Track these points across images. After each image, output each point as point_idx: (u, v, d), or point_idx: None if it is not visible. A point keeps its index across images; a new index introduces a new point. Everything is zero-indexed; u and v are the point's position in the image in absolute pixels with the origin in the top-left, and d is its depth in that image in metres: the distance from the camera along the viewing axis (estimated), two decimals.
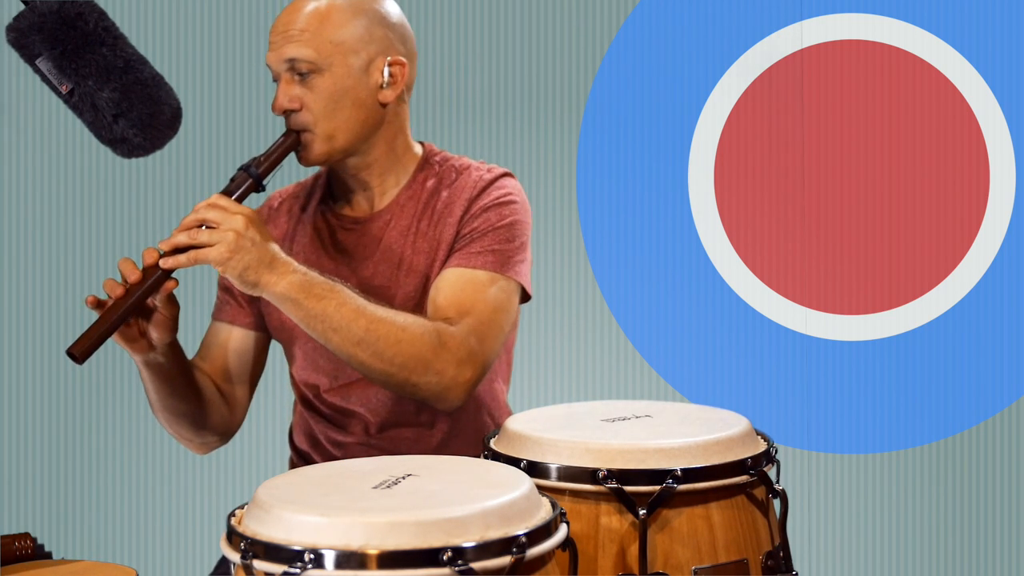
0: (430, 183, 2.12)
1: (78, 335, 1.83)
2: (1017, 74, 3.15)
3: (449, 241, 2.07)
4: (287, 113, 2.04)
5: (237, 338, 2.19)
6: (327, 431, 2.17)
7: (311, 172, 2.26)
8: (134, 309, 1.86)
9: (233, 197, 1.95)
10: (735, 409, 1.85)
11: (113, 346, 1.83)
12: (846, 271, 3.22)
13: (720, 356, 3.24)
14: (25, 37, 1.83)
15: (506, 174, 2.14)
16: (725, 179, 3.24)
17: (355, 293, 1.94)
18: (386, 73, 2.06)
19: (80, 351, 1.80)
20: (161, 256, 1.87)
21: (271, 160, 2.01)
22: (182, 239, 1.87)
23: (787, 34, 3.20)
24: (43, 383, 3.22)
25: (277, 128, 3.17)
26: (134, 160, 1.96)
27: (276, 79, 2.06)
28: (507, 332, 2.06)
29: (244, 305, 2.19)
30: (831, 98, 3.21)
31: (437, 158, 2.16)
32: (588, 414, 1.85)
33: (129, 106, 1.86)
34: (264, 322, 2.21)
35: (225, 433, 2.19)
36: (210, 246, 1.86)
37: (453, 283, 2.03)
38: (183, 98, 1.94)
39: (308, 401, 2.19)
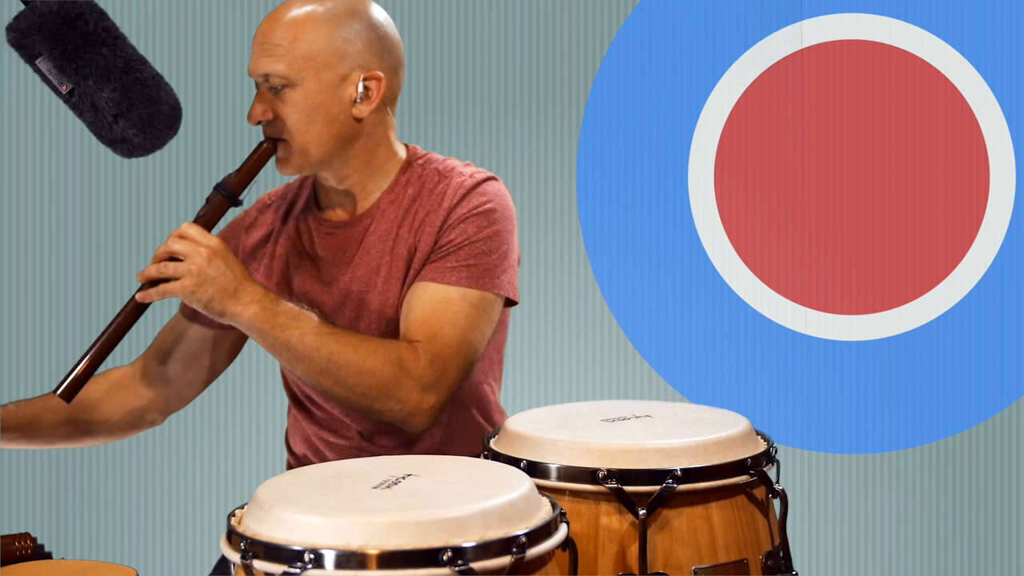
0: (411, 189, 2.11)
1: (66, 366, 1.98)
2: (1017, 74, 3.15)
3: (426, 251, 2.05)
4: (261, 124, 2.05)
5: (194, 330, 2.22)
6: (320, 432, 2.17)
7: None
8: (115, 343, 1.97)
9: (206, 219, 2.01)
10: (735, 409, 1.85)
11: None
12: (846, 271, 3.22)
13: (720, 356, 3.24)
14: (25, 37, 1.83)
15: (489, 178, 2.11)
16: (725, 179, 3.24)
17: (320, 321, 1.98)
18: (360, 88, 2.04)
19: (67, 391, 1.92)
20: (139, 288, 1.96)
21: (244, 173, 2.05)
22: (152, 272, 1.95)
23: (787, 34, 3.20)
24: (42, 383, 3.22)
25: None
26: (134, 160, 1.96)
27: (257, 87, 2.07)
28: (479, 350, 2.05)
29: None
30: (831, 98, 3.21)
31: (420, 160, 2.14)
32: (588, 414, 1.85)
33: (129, 106, 1.86)
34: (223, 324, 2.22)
35: (140, 417, 2.24)
36: (176, 279, 1.94)
37: (424, 301, 2.02)
38: (183, 98, 1.94)
39: (301, 403, 2.20)
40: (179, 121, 1.92)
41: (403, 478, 1.53)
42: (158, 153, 1.93)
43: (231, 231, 2.25)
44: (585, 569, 1.62)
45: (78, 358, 1.95)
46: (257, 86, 2.06)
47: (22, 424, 2.09)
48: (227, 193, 2.03)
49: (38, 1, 1.83)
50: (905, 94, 3.19)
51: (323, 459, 2.16)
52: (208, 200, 2.03)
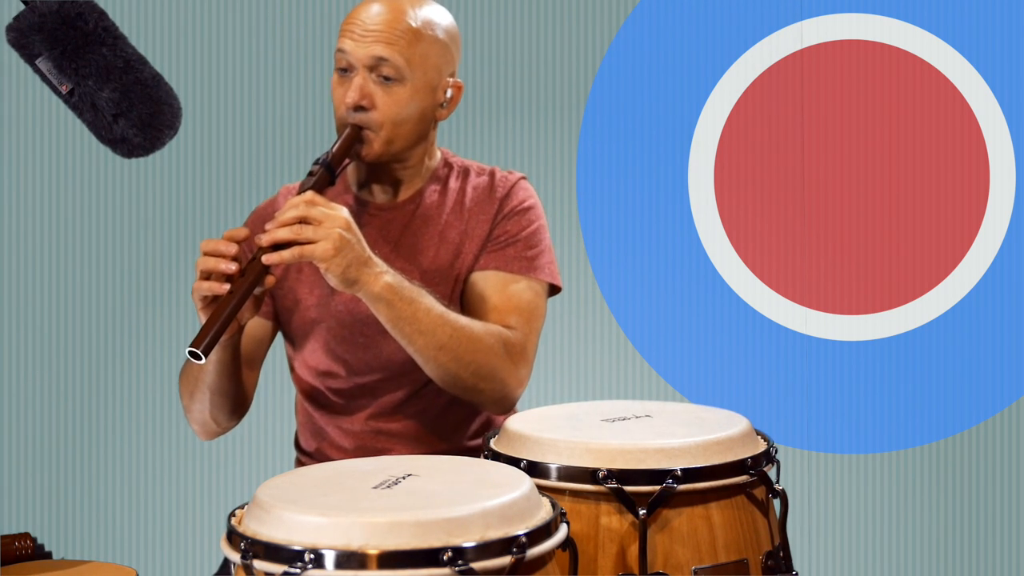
0: (453, 182, 2.17)
1: (195, 333, 1.82)
2: (1017, 74, 3.15)
3: (482, 237, 2.13)
4: (357, 108, 2.05)
5: (255, 325, 2.19)
6: (335, 420, 2.17)
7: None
8: (242, 304, 1.87)
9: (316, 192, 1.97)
10: (735, 409, 1.85)
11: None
12: (846, 271, 3.22)
13: (720, 356, 3.24)
14: (25, 37, 1.83)
15: (523, 177, 2.21)
16: (725, 179, 3.24)
17: (436, 298, 1.99)
18: (448, 94, 2.12)
19: (203, 348, 1.80)
20: (260, 250, 1.88)
21: (339, 155, 2.04)
22: (284, 234, 1.87)
23: (787, 34, 3.20)
24: (43, 383, 3.22)
25: (277, 127, 3.17)
26: (134, 160, 1.96)
27: (347, 68, 2.06)
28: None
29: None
30: (831, 98, 3.21)
31: (454, 160, 2.22)
32: (588, 414, 1.85)
33: (129, 106, 1.86)
34: (276, 312, 2.21)
35: (240, 418, 2.21)
36: (313, 243, 1.87)
37: (499, 289, 2.10)
38: (183, 98, 1.94)
39: (312, 396, 2.19)
40: (179, 121, 1.92)
41: (403, 478, 1.53)
42: (158, 153, 1.93)
43: (257, 218, 2.22)
44: (585, 569, 1.62)
45: (204, 320, 1.85)
46: (346, 67, 2.06)
47: (239, 349, 2.04)
48: (329, 170, 2.01)
49: (38, 1, 1.83)
50: (905, 94, 3.19)
51: (337, 449, 2.16)
52: (312, 173, 2.00)
